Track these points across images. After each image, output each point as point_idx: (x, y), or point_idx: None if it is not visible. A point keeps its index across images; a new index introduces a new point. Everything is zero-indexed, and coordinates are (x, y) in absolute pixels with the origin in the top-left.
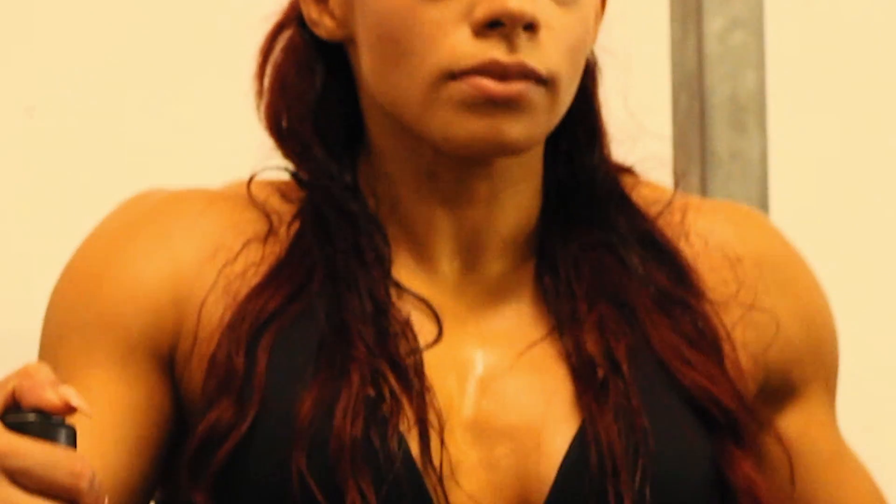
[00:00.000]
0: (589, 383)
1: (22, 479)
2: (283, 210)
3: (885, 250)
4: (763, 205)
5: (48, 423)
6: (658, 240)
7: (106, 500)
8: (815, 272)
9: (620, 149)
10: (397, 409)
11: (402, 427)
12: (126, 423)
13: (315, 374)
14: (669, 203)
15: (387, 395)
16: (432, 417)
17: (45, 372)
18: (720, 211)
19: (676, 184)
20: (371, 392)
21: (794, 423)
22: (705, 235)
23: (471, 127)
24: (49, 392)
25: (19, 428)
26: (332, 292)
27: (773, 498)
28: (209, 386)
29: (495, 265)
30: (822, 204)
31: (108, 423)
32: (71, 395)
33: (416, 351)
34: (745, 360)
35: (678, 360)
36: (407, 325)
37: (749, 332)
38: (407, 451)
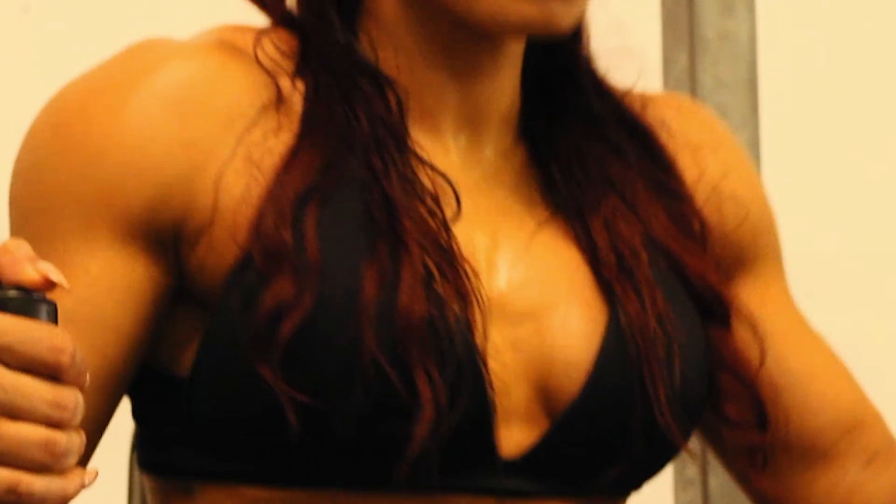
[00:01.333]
0: (611, 270)
1: (3, 355)
2: (284, 65)
3: (872, 127)
4: (752, 86)
5: (28, 299)
6: (641, 128)
7: (87, 377)
8: (807, 156)
9: (608, 36)
10: (449, 289)
11: (456, 307)
12: (125, 307)
13: (372, 249)
14: (629, 93)
15: (436, 274)
16: (475, 299)
17: (25, 248)
18: (672, 102)
19: (665, 67)
20: (423, 270)
21: (751, 294)
22: (667, 124)
23: (525, 11)
24: (29, 268)
25: None
26: (365, 162)
27: (753, 373)
28: (252, 260)
29: (494, 145)
30: (811, 85)
31: (107, 309)
32: (50, 270)
33: (448, 227)
34: (712, 242)
35: (679, 248)
36: (436, 198)
37: (713, 216)
38: (464, 333)
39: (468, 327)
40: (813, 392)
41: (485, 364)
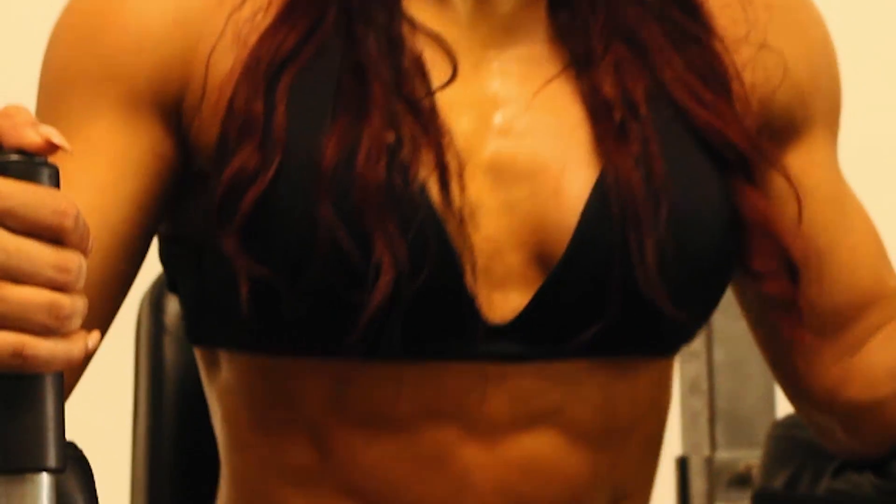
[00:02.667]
0: (607, 126)
1: (7, 219)
2: None
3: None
4: None
5: (30, 163)
6: None
7: (91, 241)
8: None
9: None
10: (417, 153)
11: (423, 172)
12: (128, 176)
13: (335, 117)
14: None
15: (406, 138)
16: (451, 161)
17: (25, 112)
18: None
19: None
20: (391, 136)
21: (796, 161)
22: None
23: None
24: (30, 131)
25: (0, 169)
26: (347, 30)
27: (783, 230)
28: (229, 134)
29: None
30: None
31: (110, 178)
32: (52, 133)
33: (431, 91)
34: (753, 101)
35: (692, 99)
36: (421, 63)
37: (758, 74)
38: (427, 197)
39: (443, 189)
40: (844, 264)
41: (461, 227)
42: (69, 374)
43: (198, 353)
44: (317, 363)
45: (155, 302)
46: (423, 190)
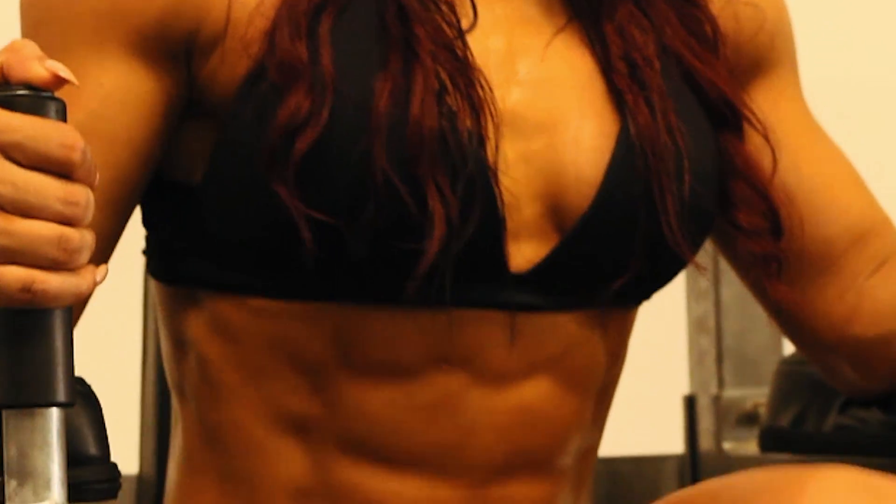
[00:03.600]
0: (623, 79)
1: (14, 153)
2: None
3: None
4: None
5: (37, 97)
6: None
7: (97, 176)
8: None
9: None
10: (461, 101)
11: (469, 120)
12: (134, 117)
13: (384, 61)
14: None
15: (449, 86)
16: (488, 112)
17: (33, 47)
18: None
19: None
20: (436, 83)
21: (764, 100)
22: None
23: None
24: (37, 66)
25: (8, 103)
26: None
27: (767, 181)
28: (266, 71)
29: None
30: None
31: (116, 118)
32: (59, 67)
33: (461, 37)
34: (728, 52)
35: (691, 55)
36: (452, 7)
37: (729, 23)
38: (476, 147)
39: (480, 141)
40: (825, 200)
41: (496, 178)
42: (75, 308)
43: (165, 294)
44: (325, 308)
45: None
46: (470, 138)
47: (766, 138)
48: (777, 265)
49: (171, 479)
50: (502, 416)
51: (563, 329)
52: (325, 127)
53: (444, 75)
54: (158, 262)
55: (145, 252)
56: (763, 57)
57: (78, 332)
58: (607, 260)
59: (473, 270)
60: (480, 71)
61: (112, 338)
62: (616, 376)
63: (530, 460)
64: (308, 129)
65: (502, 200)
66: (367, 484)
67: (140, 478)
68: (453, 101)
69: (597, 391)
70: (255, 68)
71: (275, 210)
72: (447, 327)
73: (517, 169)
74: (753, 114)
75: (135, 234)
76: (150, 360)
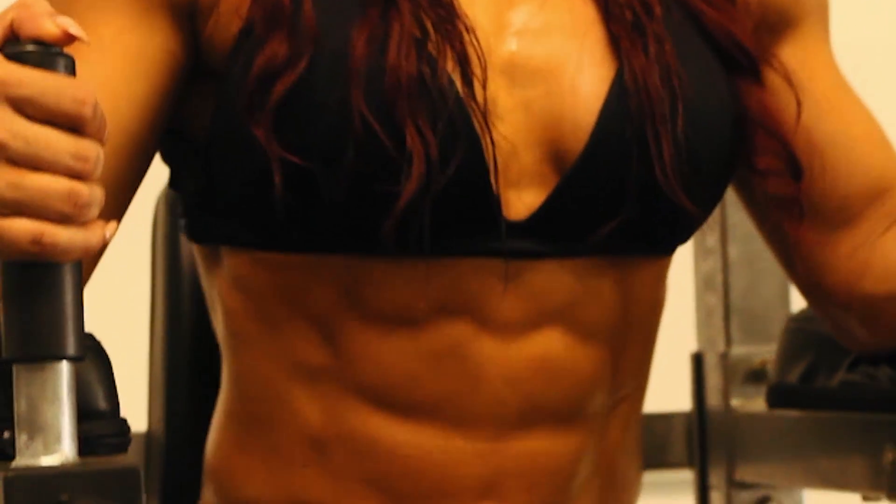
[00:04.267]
0: (622, 25)
1: (25, 107)
2: None
3: None
4: None
5: (47, 53)
6: None
7: (107, 132)
8: None
9: None
10: (443, 47)
11: (449, 66)
12: (140, 76)
13: (363, 10)
14: None
15: (431, 33)
16: (475, 56)
17: (43, 3)
18: None
19: None
20: (417, 30)
21: (792, 55)
22: None
23: None
24: (47, 21)
25: (18, 58)
26: None
27: (786, 127)
28: (254, 24)
29: None
30: None
31: (122, 76)
32: (69, 23)
33: None
34: (753, 5)
35: (700, 1)
36: None
37: None
38: (455, 90)
39: (466, 84)
40: (849, 157)
41: (482, 120)
42: (86, 264)
43: (198, 253)
44: (329, 259)
45: (170, 201)
46: (451, 82)
47: (789, 81)
48: (798, 208)
49: (213, 423)
50: (513, 367)
51: (569, 278)
52: (303, 72)
53: (427, 22)
54: (187, 222)
55: (183, 214)
56: (790, 10)
57: (87, 291)
58: (602, 203)
59: (468, 218)
60: (466, 17)
61: (120, 298)
62: (642, 330)
63: (548, 414)
64: (286, 73)
65: (491, 144)
66: (381, 434)
67: (149, 435)
68: (434, 47)
69: (617, 342)
70: (245, 26)
71: (257, 157)
72: (449, 276)
73: (515, 116)
74: (779, 62)
75: (143, 191)
76: (159, 318)
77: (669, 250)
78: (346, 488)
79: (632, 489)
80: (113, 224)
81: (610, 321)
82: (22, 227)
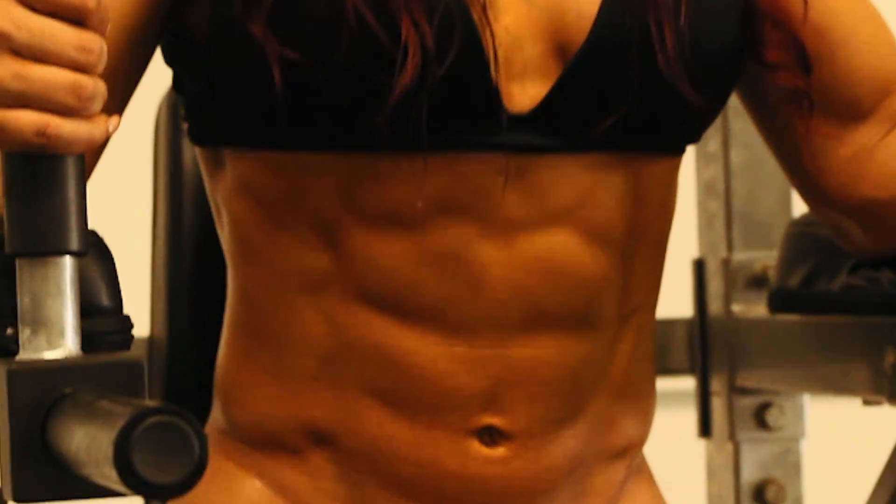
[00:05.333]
0: None
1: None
2: None
3: None
4: None
5: None
6: None
7: (109, 25)
8: None
9: None
10: None
11: None
12: None
13: None
14: None
15: None
16: None
17: None
18: None
19: None
20: None
21: None
22: None
23: None
24: None
25: None
26: None
27: (795, 20)
28: None
29: None
30: None
31: None
32: None
33: None
34: None
35: None
36: None
37: None
38: None
39: None
40: (856, 54)
41: (485, 12)
42: (88, 159)
43: (201, 157)
44: (329, 158)
45: (172, 105)
46: None
47: None
48: (808, 101)
49: (222, 337)
50: (516, 269)
51: (574, 175)
52: None
53: None
54: (190, 124)
55: (186, 117)
56: None
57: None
58: (606, 94)
59: (468, 112)
60: None
61: (122, 203)
62: (652, 234)
63: (552, 318)
64: None
65: (491, 36)
66: (386, 341)
67: (151, 340)
68: None
69: (626, 246)
70: None
71: (257, 55)
72: (450, 173)
73: (518, 8)
74: None
75: (146, 96)
76: (161, 224)
77: (677, 149)
78: (353, 402)
79: (646, 403)
80: (116, 118)
81: (617, 223)
82: (26, 119)
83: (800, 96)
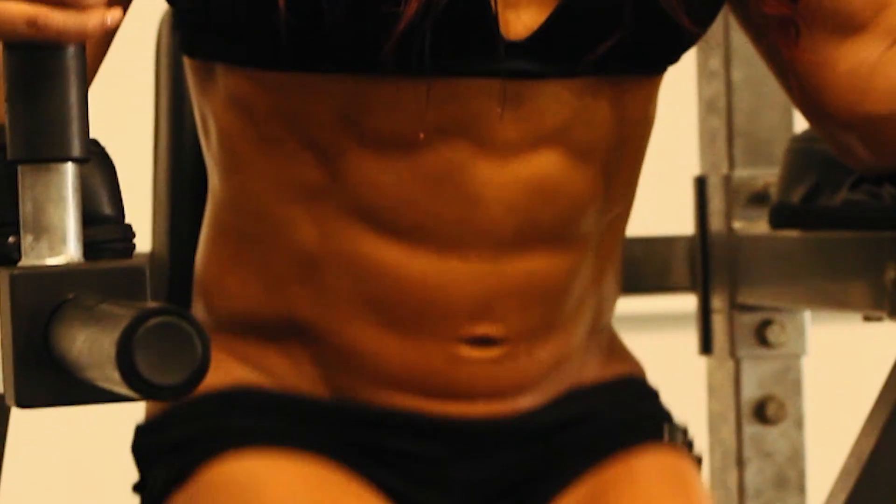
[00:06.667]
0: None
1: None
2: None
3: None
4: None
5: None
6: None
7: None
8: None
9: None
10: None
11: None
12: None
13: None
14: None
15: None
16: None
17: None
18: None
19: None
20: None
21: None
22: None
23: None
24: None
25: None
26: None
27: None
28: None
29: None
30: None
31: None
32: None
33: None
34: None
35: None
36: None
37: None
38: None
39: None
40: None
41: None
42: (89, 62)
43: (191, 68)
44: (329, 80)
45: (175, 21)
46: None
47: None
48: (794, 28)
49: (201, 239)
50: (510, 189)
51: (566, 99)
52: None
53: None
54: (182, 35)
55: (177, 26)
56: None
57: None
58: (601, 21)
59: (468, 39)
60: None
61: (123, 119)
62: (634, 148)
63: (544, 233)
64: None
65: None
66: (376, 254)
67: (153, 255)
68: None
69: (610, 162)
70: None
71: None
72: (448, 97)
73: None
74: None
75: (147, 10)
76: (162, 140)
77: (663, 69)
78: (340, 307)
79: (615, 294)
80: (116, 11)
81: (604, 141)
82: (18, 9)
83: (786, 23)
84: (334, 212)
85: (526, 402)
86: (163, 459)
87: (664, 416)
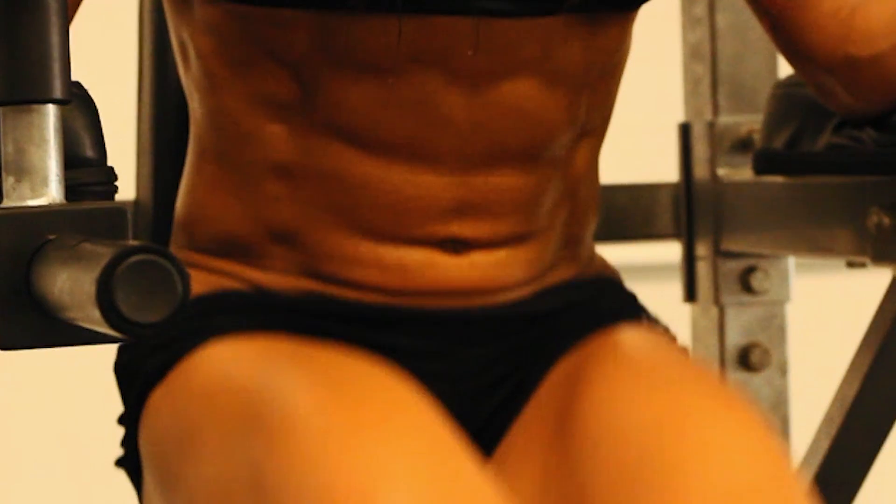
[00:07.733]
0: None
1: None
2: None
3: None
4: None
5: None
6: None
7: None
8: None
9: None
10: None
11: None
12: None
13: None
14: None
15: None
16: None
17: None
18: None
19: None
20: None
21: None
22: None
23: None
24: None
25: None
26: None
27: None
28: None
29: None
30: None
31: None
32: None
33: None
34: None
35: None
36: None
37: None
38: None
39: None
40: None
41: None
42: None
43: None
44: (301, 15)
45: None
46: None
47: None
48: None
49: (183, 175)
50: (481, 112)
51: (539, 35)
52: None
53: None
54: None
55: None
56: None
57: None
58: None
59: None
60: None
61: (106, 67)
62: (608, 74)
63: (513, 154)
64: None
65: None
66: (350, 167)
67: (137, 203)
68: None
69: (583, 90)
70: None
71: None
72: (421, 33)
73: None
74: None
75: None
76: (147, 85)
77: (636, 6)
78: (317, 217)
79: (592, 211)
80: None
81: (577, 71)
82: None
83: None
84: (307, 126)
85: (503, 297)
86: (146, 363)
87: (642, 309)
